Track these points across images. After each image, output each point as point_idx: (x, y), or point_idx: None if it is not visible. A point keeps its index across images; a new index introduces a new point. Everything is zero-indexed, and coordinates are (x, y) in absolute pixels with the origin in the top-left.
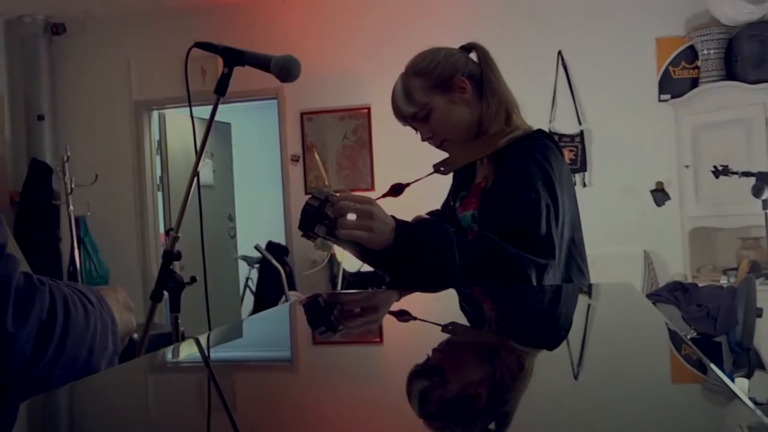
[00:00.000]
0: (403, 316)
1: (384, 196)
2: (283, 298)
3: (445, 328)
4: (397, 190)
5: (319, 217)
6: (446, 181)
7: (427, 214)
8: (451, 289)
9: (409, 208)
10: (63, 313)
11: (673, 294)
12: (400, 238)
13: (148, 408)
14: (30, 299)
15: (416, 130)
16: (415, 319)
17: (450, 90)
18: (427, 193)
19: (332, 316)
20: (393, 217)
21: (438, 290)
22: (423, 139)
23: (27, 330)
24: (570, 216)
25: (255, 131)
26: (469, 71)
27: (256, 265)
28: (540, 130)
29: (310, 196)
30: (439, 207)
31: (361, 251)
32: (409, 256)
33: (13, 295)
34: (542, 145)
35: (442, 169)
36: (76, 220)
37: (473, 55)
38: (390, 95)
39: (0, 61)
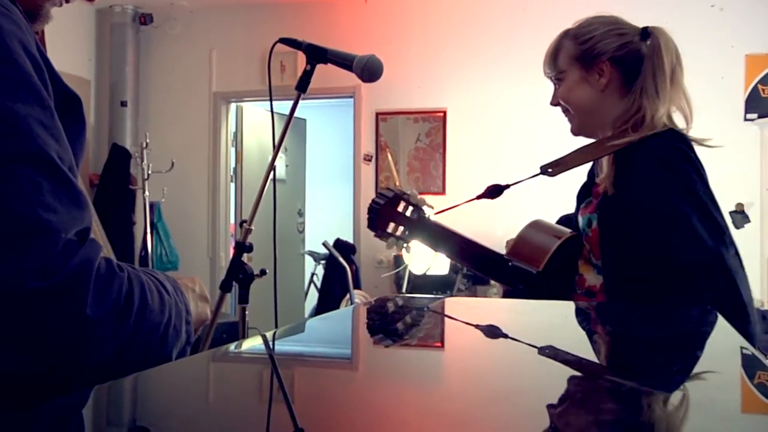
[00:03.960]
0: (492, 331)
1: (480, 197)
2: (347, 296)
3: (541, 350)
4: (493, 192)
5: (389, 216)
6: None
7: (563, 216)
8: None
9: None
10: (139, 300)
11: None
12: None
13: (212, 400)
14: (109, 285)
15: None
16: (506, 336)
17: (589, 68)
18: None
19: (404, 323)
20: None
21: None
22: (551, 103)
23: (104, 315)
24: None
25: (330, 128)
26: (622, 58)
27: (323, 262)
28: (671, 130)
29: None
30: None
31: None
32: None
33: (94, 279)
34: (672, 148)
35: (550, 170)
36: (151, 205)
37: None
38: (467, 99)
39: (90, 49)
